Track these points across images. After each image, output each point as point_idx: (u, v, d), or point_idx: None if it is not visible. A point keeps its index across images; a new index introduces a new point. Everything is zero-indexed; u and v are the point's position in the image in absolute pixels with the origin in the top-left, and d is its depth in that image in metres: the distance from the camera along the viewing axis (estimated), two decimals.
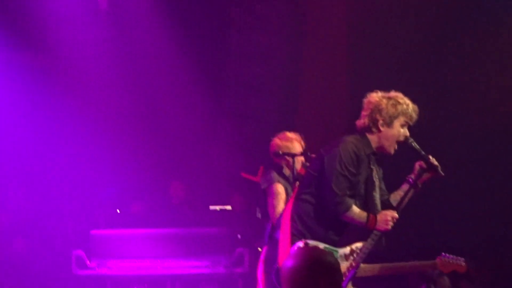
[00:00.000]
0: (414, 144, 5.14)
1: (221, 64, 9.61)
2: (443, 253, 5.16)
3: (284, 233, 4.99)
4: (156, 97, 9.54)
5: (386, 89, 5.18)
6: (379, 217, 4.94)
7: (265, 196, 6.21)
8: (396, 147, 5.13)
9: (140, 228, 8.04)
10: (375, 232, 4.94)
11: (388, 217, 4.93)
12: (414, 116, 5.13)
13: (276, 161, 6.31)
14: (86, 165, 9.44)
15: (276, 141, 6.35)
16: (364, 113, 5.11)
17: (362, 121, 5.10)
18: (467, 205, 8.34)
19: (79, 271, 7.84)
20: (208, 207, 8.40)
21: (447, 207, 8.33)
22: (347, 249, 5.01)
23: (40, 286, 8.45)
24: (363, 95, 5.23)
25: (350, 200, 4.94)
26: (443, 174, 5.13)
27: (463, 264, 5.16)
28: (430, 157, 5.17)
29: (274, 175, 6.22)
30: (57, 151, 9.42)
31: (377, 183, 5.12)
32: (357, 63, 8.89)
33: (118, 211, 8.48)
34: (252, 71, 9.51)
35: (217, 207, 8.28)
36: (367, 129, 5.08)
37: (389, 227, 4.93)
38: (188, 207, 8.95)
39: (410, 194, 5.14)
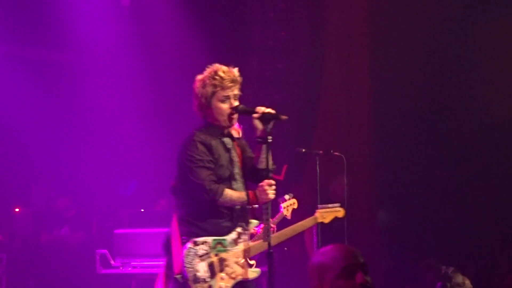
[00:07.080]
0: (242, 108, 4.88)
1: (243, 58, 9.50)
2: (318, 205, 5.15)
3: (175, 240, 4.91)
4: (178, 93, 9.45)
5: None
6: (257, 191, 4.81)
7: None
8: (235, 117, 4.90)
9: (164, 227, 7.97)
10: (262, 206, 4.82)
11: (264, 187, 4.78)
12: (227, 83, 4.88)
13: None
14: (109, 165, 9.41)
15: None
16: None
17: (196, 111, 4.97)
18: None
19: (103, 270, 7.82)
20: None
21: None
22: (233, 234, 4.92)
23: (65, 285, 8.46)
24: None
25: (221, 186, 4.82)
26: (285, 117, 4.82)
27: (340, 209, 5.21)
28: (260, 108, 4.83)
29: None
30: (80, 151, 9.40)
31: (236, 160, 4.97)
32: (379, 61, 8.66)
33: (142, 210, 8.42)
34: (273, 65, 9.38)
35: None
36: (202, 116, 4.94)
37: (271, 195, 4.79)
38: None
39: (269, 151, 4.78)
